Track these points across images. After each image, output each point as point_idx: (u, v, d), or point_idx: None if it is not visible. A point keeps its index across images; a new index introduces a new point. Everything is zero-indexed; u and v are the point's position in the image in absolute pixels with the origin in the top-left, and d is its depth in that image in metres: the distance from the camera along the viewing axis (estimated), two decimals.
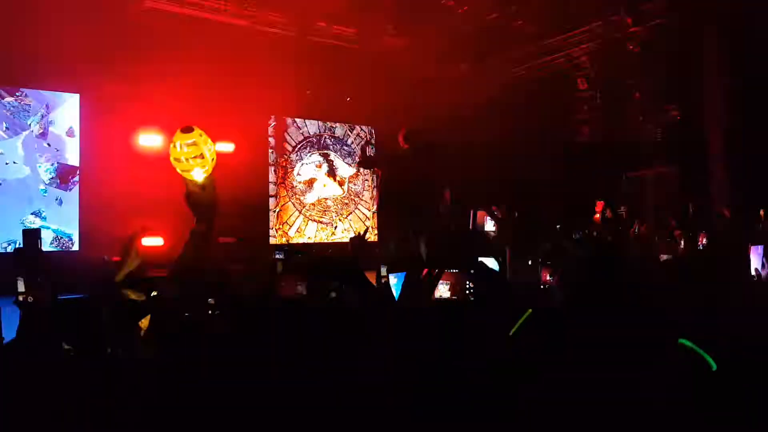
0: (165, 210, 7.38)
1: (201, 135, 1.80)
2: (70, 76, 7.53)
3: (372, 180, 9.88)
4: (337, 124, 9.85)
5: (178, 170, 1.79)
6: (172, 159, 1.78)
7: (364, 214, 10.03)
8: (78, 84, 7.71)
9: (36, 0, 6.90)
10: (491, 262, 3.46)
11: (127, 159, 7.59)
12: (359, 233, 3.68)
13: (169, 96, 8.02)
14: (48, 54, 7.06)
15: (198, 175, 1.79)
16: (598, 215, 6.24)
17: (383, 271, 3.58)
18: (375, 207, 9.43)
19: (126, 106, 7.70)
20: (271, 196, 9.08)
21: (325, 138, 9.74)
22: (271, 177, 9.12)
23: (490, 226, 4.70)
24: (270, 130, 9.20)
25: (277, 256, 2.88)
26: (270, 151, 9.15)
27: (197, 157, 1.77)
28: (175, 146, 1.78)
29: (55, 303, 2.26)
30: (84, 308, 2.12)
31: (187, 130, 1.77)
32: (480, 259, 3.74)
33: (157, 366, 1.66)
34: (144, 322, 2.17)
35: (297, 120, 9.48)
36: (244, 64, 8.05)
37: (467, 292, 1.98)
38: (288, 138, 9.40)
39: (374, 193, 9.82)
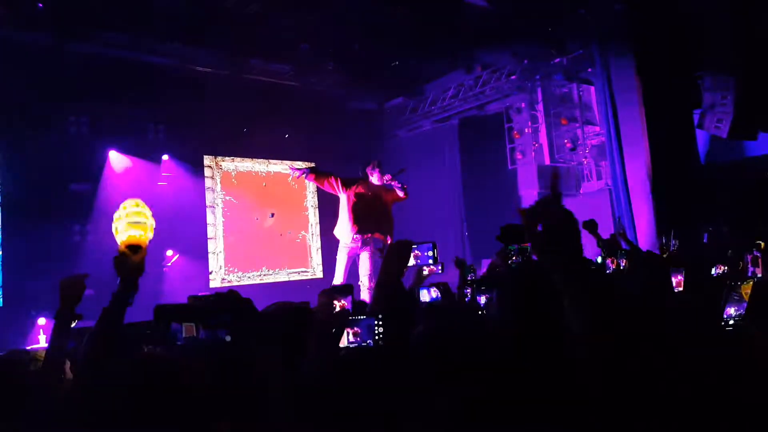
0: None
1: (143, 205, 1.87)
2: None
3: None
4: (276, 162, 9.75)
5: (119, 228, 1.83)
6: (114, 221, 1.83)
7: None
8: None
9: None
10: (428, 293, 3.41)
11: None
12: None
13: (101, 138, 7.78)
14: None
15: (136, 235, 1.81)
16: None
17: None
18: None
19: (51, 152, 7.37)
20: (210, 239, 8.82)
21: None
22: (209, 219, 8.88)
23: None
24: (206, 170, 9.01)
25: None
26: (207, 191, 8.93)
27: (139, 222, 1.83)
28: (120, 209, 1.84)
29: None
30: None
31: (133, 198, 1.87)
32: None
33: None
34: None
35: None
36: (177, 103, 7.90)
37: (376, 337, 1.92)
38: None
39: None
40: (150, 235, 1.81)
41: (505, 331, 1.62)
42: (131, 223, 1.78)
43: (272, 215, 9.31)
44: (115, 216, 1.81)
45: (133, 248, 1.74)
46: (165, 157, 8.36)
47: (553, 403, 1.29)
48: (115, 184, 7.71)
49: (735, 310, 2.16)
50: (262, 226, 9.34)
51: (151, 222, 1.82)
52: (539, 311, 1.51)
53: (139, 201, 1.82)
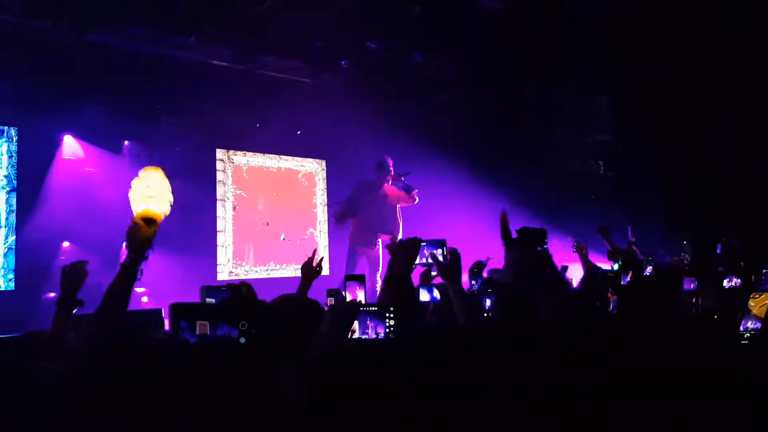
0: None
1: (160, 173, 1.82)
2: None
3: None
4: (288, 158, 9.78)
5: (137, 198, 1.81)
6: (132, 190, 1.79)
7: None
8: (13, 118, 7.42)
9: None
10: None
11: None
12: (309, 258, 3.53)
13: (115, 129, 7.84)
14: None
15: (156, 208, 1.76)
16: None
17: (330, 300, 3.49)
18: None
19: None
20: (220, 232, 8.87)
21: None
22: (219, 212, 8.93)
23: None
24: (218, 164, 9.06)
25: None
26: (218, 184, 8.98)
27: (152, 190, 1.78)
28: (140, 178, 1.80)
29: None
30: None
31: (149, 167, 1.82)
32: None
33: None
34: None
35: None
36: (192, 96, 7.93)
37: (387, 330, 1.92)
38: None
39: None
40: (167, 210, 1.77)
41: (504, 331, 1.65)
42: (149, 196, 1.73)
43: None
44: (134, 184, 1.76)
45: (148, 221, 1.72)
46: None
47: (552, 404, 1.30)
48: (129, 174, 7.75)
49: (752, 323, 2.15)
50: (271, 223, 9.38)
51: (170, 197, 1.77)
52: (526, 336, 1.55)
53: (160, 172, 1.78)
